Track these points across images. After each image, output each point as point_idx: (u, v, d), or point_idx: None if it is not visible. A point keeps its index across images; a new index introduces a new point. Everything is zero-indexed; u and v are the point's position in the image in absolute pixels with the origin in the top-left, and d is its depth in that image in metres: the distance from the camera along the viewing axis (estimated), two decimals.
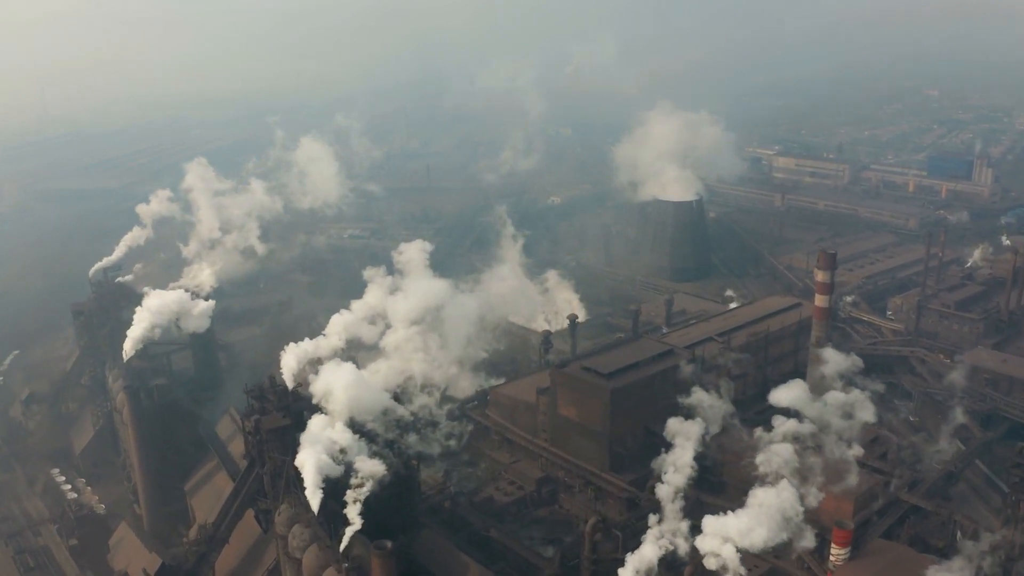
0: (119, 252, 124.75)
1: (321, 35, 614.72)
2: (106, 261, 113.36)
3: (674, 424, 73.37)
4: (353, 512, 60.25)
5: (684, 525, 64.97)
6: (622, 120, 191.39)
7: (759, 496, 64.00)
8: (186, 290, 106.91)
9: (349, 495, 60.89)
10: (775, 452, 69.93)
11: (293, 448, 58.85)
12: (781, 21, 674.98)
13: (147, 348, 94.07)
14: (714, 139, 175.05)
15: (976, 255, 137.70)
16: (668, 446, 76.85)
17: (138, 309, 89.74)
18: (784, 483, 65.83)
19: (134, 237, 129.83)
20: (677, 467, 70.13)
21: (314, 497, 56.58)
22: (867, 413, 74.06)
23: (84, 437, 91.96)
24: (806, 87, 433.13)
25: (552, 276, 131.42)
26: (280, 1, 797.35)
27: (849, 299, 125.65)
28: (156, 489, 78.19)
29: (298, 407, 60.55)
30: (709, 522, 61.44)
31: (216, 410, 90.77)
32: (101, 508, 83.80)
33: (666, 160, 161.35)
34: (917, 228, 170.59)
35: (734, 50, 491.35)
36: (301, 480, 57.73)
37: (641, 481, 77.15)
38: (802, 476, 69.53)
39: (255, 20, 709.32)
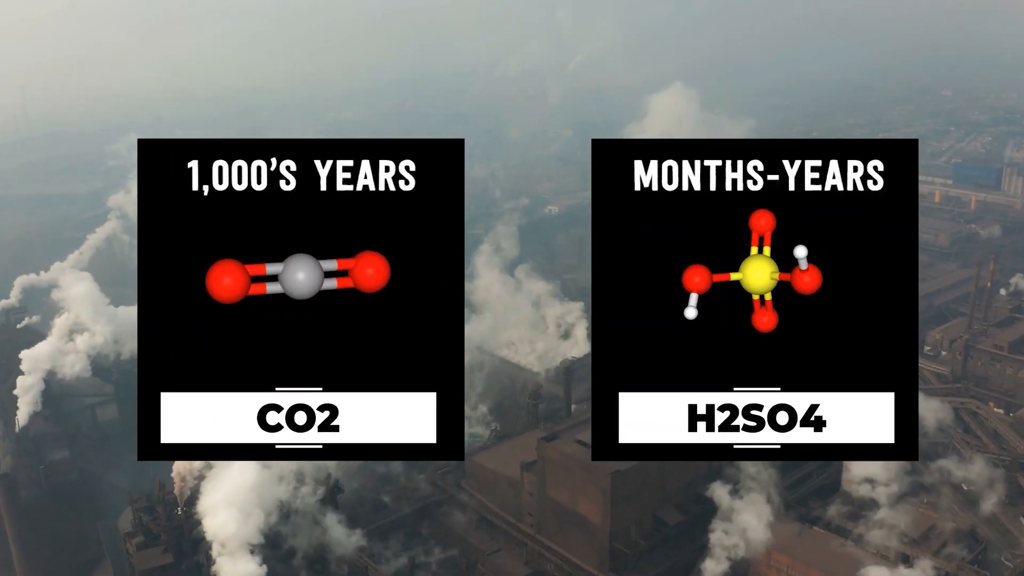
0: (88, 251, 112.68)
1: (320, 34, 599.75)
2: (22, 285, 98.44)
3: (723, 493, 62.10)
4: None
5: None
6: (625, 119, 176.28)
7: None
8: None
9: None
10: (892, 520, 59.37)
11: None
12: (785, 17, 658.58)
13: (62, 402, 79.53)
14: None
15: None
16: (678, 538, 64.05)
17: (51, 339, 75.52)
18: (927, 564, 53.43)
19: (108, 230, 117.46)
20: (745, 531, 57.58)
21: None
22: (992, 501, 62.03)
23: None
24: (815, 86, 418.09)
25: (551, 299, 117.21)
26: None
27: None
28: None
29: (190, 530, 45.15)
30: None
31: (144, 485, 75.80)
32: None
33: None
34: (948, 245, 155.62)
35: (739, 46, 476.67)
36: None
37: None
38: None
39: (253, 19, 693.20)
